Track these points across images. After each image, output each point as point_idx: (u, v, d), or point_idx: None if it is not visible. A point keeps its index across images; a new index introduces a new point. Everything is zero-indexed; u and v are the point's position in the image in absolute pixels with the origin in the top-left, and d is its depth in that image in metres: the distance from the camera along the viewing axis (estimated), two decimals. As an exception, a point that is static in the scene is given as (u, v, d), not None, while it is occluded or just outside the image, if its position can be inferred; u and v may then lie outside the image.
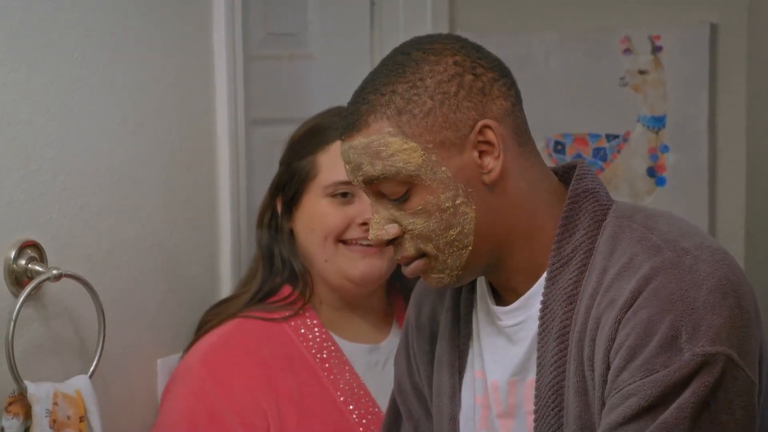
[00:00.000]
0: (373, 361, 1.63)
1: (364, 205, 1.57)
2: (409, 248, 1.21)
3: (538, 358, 1.22)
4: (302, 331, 1.61)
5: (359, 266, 1.58)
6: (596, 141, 2.26)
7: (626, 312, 1.13)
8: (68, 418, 1.40)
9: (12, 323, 1.36)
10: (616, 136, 2.25)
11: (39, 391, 1.38)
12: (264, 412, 1.53)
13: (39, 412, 1.37)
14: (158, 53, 1.64)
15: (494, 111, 1.19)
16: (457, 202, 1.19)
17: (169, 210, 1.67)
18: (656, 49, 2.20)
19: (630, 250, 1.16)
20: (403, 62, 1.19)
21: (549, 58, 2.29)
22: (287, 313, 1.61)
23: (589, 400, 1.17)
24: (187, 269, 1.71)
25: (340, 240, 1.60)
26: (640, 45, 2.21)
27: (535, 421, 1.21)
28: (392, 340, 1.65)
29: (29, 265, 1.41)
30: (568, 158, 2.29)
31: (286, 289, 1.64)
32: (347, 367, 1.61)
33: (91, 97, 1.52)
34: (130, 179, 1.59)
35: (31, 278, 1.40)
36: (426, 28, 2.31)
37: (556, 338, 1.20)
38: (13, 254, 1.40)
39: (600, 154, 2.26)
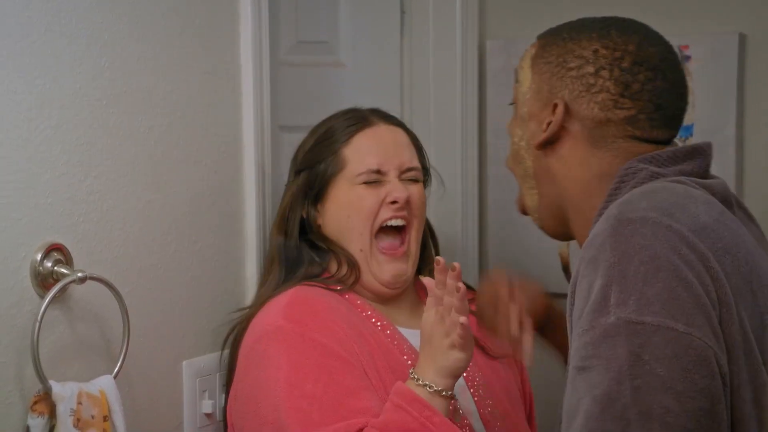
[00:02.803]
0: (418, 345, 1.60)
1: (391, 187, 1.66)
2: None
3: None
4: (358, 302, 1.64)
5: (386, 270, 1.66)
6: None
7: (576, 282, 1.16)
8: (92, 417, 1.40)
9: (37, 324, 1.36)
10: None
11: (64, 391, 1.38)
12: (356, 353, 1.53)
13: (63, 411, 1.37)
14: (185, 60, 1.64)
15: (579, 105, 1.28)
16: (521, 143, 1.34)
17: (195, 214, 1.67)
18: (685, 59, 2.16)
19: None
20: (593, 22, 1.32)
21: (577, 66, 2.25)
22: (339, 287, 1.64)
23: None
24: (212, 273, 1.70)
25: (376, 232, 1.65)
26: None
27: None
28: None
29: (55, 268, 1.41)
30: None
31: (332, 268, 1.66)
32: (405, 338, 1.63)
33: (118, 103, 1.52)
34: (156, 184, 1.59)
35: (56, 280, 1.41)
36: (455, 37, 2.29)
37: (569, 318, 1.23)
38: (39, 256, 1.40)
39: (627, 162, 2.21)
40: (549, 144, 1.30)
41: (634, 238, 1.12)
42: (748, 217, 1.31)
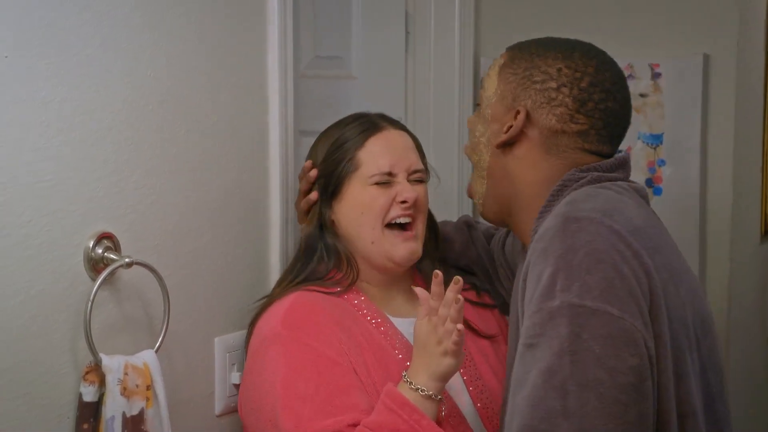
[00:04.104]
0: (409, 334, 1.59)
1: (401, 188, 1.62)
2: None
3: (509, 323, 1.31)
4: (356, 302, 1.60)
5: (400, 249, 1.61)
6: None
7: (527, 270, 1.17)
8: (137, 386, 1.40)
9: (89, 304, 1.36)
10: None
11: (112, 363, 1.38)
12: (346, 355, 1.50)
13: (111, 380, 1.37)
14: (219, 73, 1.63)
15: (540, 114, 1.29)
16: (482, 139, 1.33)
17: (226, 207, 1.66)
18: (655, 76, 2.16)
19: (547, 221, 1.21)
20: (558, 44, 1.33)
21: (561, 81, 2.25)
22: (339, 289, 1.59)
23: None
24: (241, 259, 1.69)
25: (386, 225, 1.61)
26: (642, 72, 2.18)
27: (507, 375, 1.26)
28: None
29: (105, 254, 1.40)
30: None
31: (333, 272, 1.62)
32: (398, 331, 1.59)
33: (161, 109, 1.51)
34: (193, 180, 1.58)
35: (106, 265, 1.40)
36: (453, 54, 2.29)
37: (516, 306, 1.25)
38: (91, 244, 1.39)
39: (604, 166, 2.21)
40: (508, 145, 1.31)
41: (579, 233, 1.13)
42: (654, 214, 1.34)
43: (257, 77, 1.72)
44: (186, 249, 1.57)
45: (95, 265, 1.40)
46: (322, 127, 1.85)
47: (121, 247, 1.44)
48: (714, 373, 1.22)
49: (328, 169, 1.65)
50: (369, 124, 1.68)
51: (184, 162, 1.56)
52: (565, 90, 1.28)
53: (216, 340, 1.64)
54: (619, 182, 1.28)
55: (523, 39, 2.32)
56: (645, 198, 1.30)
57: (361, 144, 1.64)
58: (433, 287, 1.45)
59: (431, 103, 2.29)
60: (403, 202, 1.61)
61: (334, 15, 2.12)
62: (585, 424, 1.06)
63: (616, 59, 2.23)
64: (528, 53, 1.32)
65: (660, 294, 1.14)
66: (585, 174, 1.26)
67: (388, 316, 1.62)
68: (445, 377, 1.44)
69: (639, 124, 2.18)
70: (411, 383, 1.43)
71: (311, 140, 2.01)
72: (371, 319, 1.59)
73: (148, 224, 1.49)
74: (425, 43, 2.29)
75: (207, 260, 1.62)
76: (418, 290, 1.47)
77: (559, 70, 1.29)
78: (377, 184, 1.62)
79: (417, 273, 1.71)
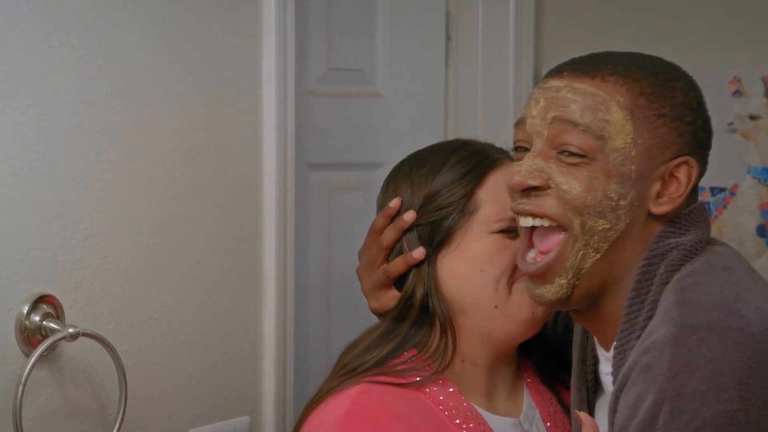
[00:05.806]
0: None
1: None
2: (551, 206, 1.25)
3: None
4: (441, 398, 1.50)
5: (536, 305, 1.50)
6: (699, 194, 2.18)
7: (622, 387, 1.14)
8: (81, 495, 1.39)
9: (21, 387, 1.35)
10: (722, 189, 2.17)
11: (50, 464, 1.37)
12: None
13: (48, 487, 1.36)
14: (199, 89, 1.63)
15: (700, 163, 1.26)
16: (621, 202, 1.24)
17: (207, 263, 1.65)
18: (770, 92, 2.13)
19: (655, 318, 1.16)
20: (661, 64, 1.28)
21: (646, 100, 2.23)
22: (418, 378, 1.49)
23: None
24: (225, 329, 1.69)
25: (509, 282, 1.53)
26: (752, 87, 2.14)
27: None
28: (528, 413, 1.57)
29: (44, 322, 1.40)
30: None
31: (410, 353, 1.53)
32: None
33: (122, 137, 1.51)
34: (162, 228, 1.58)
35: (45, 336, 1.39)
36: (508, 68, 2.28)
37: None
38: (26, 309, 1.39)
39: (703, 209, 2.17)
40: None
41: (699, 349, 1.09)
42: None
43: (250, 95, 1.71)
44: (152, 316, 1.56)
45: (30, 337, 1.39)
46: (337, 160, 1.82)
47: (65, 313, 1.43)
48: None
49: (432, 212, 1.56)
50: (483, 155, 1.58)
51: (149, 206, 1.56)
52: (707, 127, 1.29)
53: (191, 433, 1.64)
54: (715, 246, 1.24)
55: (593, 46, 2.29)
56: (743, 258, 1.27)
57: (478, 180, 1.54)
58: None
59: (478, 126, 2.27)
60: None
61: (353, 17, 2.12)
62: None
63: (718, 70, 2.21)
64: (660, 82, 1.26)
65: None
66: (669, 242, 1.22)
67: (487, 413, 1.53)
68: None
69: (749, 155, 2.14)
70: None
71: (324, 175, 1.99)
72: (462, 423, 1.49)
73: (100, 284, 1.49)
74: (470, 51, 2.29)
75: (180, 330, 1.61)
76: (584, 416, 1.39)
77: (700, 104, 1.28)
78: (502, 231, 1.53)
79: (523, 357, 1.63)
